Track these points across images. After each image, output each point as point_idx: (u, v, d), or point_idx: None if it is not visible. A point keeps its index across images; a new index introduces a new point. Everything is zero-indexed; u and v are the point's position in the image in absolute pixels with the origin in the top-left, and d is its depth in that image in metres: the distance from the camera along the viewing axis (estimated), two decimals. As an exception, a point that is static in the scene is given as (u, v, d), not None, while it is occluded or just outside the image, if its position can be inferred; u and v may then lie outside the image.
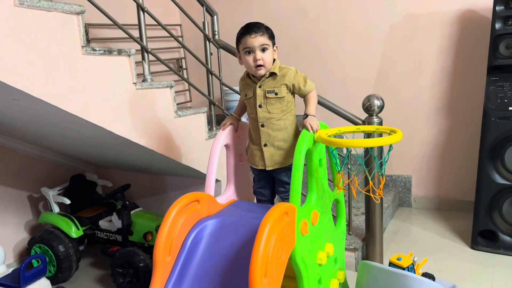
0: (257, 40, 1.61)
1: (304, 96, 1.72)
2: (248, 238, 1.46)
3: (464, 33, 2.94)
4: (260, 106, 1.68)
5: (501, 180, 2.42)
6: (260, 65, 1.64)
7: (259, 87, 1.68)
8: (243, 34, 1.65)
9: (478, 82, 2.91)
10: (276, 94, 1.66)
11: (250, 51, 1.64)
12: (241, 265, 1.40)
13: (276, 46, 1.70)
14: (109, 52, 1.84)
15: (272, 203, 1.86)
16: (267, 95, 1.67)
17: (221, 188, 2.37)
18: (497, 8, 2.45)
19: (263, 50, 1.63)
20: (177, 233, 1.47)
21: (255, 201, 1.92)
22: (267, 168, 1.73)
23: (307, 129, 1.58)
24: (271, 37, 1.67)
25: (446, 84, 3.07)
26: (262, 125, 1.69)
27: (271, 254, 1.30)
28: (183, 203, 1.48)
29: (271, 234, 1.31)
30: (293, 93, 1.71)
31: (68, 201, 2.57)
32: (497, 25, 2.46)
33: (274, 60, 1.70)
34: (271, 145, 1.70)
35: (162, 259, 1.41)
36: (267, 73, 1.67)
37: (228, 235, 1.51)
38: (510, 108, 2.39)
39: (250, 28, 1.63)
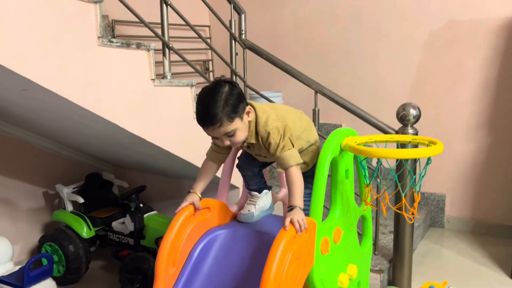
0: (216, 132, 1.33)
1: (284, 170, 1.39)
2: (261, 254, 1.31)
3: (511, 43, 2.72)
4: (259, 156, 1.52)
5: (549, 205, 2.19)
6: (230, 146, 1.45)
7: (248, 147, 1.48)
8: (199, 123, 1.36)
9: (525, 97, 2.68)
10: (265, 157, 1.49)
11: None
12: (252, 284, 1.25)
13: (250, 108, 1.38)
14: (127, 45, 1.75)
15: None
16: (256, 156, 1.52)
17: (239, 196, 2.23)
18: (551, 15, 2.24)
19: (229, 135, 1.35)
20: (183, 243, 1.34)
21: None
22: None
23: (285, 227, 1.22)
24: (233, 111, 1.31)
25: (489, 98, 2.84)
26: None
27: (285, 274, 1.16)
28: (192, 210, 1.35)
29: (287, 252, 1.16)
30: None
31: (81, 200, 2.49)
32: (551, 34, 2.24)
33: (258, 121, 1.41)
34: None
35: (164, 270, 1.29)
36: (245, 144, 1.44)
37: (239, 249, 1.37)
38: (563, 126, 2.16)
39: (203, 122, 1.33)
